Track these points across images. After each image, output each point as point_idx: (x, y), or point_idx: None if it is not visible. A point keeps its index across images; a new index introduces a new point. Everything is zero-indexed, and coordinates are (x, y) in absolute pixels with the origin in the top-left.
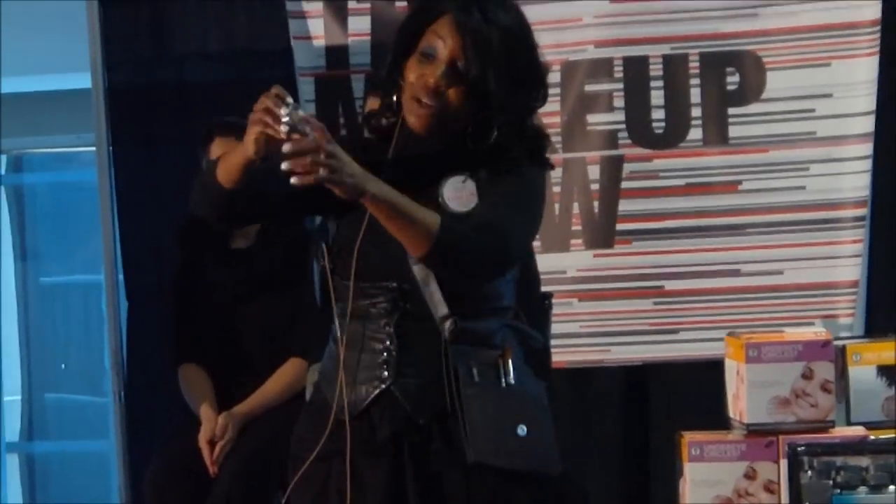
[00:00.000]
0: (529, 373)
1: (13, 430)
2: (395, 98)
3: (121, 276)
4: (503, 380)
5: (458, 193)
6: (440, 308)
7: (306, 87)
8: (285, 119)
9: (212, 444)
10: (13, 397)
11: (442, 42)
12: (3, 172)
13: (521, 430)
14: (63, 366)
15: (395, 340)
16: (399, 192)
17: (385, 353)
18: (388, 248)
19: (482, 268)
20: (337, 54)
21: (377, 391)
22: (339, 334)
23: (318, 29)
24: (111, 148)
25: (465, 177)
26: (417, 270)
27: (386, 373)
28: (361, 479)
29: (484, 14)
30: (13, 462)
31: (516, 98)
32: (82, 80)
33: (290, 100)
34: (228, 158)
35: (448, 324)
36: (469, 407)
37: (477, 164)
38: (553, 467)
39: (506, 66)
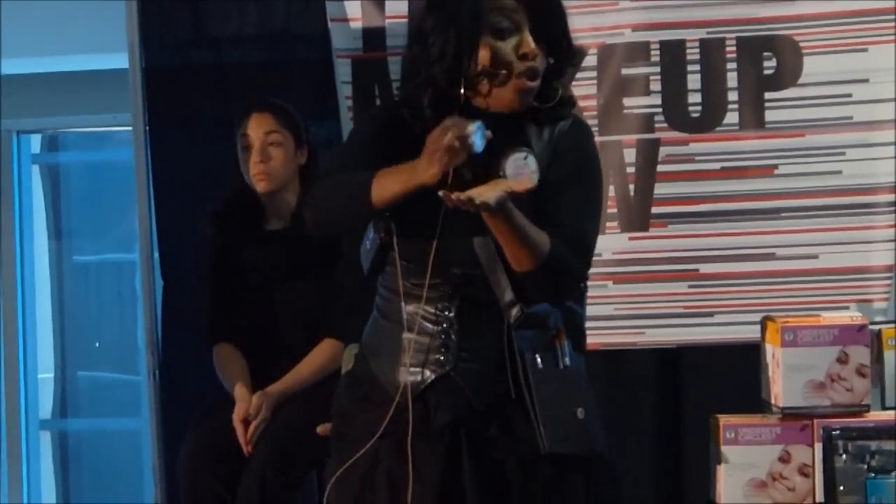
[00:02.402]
0: (576, 355)
1: (46, 408)
2: (475, 78)
3: (156, 255)
4: (560, 362)
5: (520, 171)
6: (507, 294)
7: (343, 69)
8: (476, 147)
9: (246, 423)
10: (46, 375)
11: (509, 15)
12: (38, 151)
13: (580, 413)
14: (97, 344)
15: (456, 325)
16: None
17: (443, 336)
18: (456, 234)
19: (572, 287)
20: (374, 36)
21: (435, 375)
22: (400, 315)
23: (356, 11)
24: (147, 128)
25: (526, 153)
26: (483, 254)
27: (444, 357)
28: (415, 464)
29: None
30: (46, 439)
31: (573, 52)
32: (119, 60)
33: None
34: (390, 180)
35: (514, 310)
36: (539, 395)
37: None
38: (603, 448)
39: (564, 23)
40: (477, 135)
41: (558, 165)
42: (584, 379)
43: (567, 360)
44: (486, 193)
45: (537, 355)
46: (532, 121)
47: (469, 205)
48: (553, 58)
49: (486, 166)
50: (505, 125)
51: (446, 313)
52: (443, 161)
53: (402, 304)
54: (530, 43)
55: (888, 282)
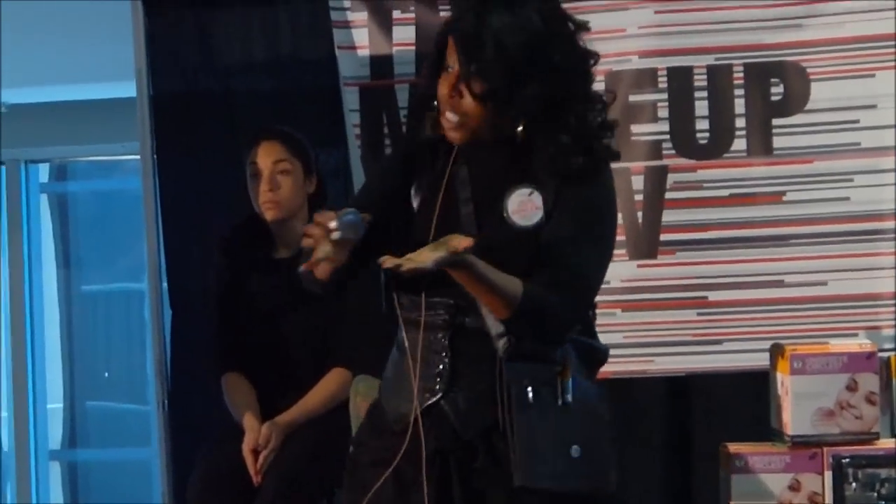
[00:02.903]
0: (593, 388)
1: (55, 438)
2: (434, 111)
3: (164, 284)
4: (560, 398)
5: (523, 206)
6: (496, 326)
7: (351, 97)
8: (336, 234)
9: (255, 453)
10: (55, 405)
11: (450, 53)
12: (46, 180)
13: (575, 450)
14: (106, 374)
15: (450, 353)
16: (482, 261)
17: (441, 366)
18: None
19: (562, 330)
20: (381, 64)
21: (427, 403)
22: (403, 343)
23: (363, 39)
24: (155, 156)
25: (531, 189)
26: None
27: (438, 385)
28: (407, 492)
29: (478, 18)
30: (55, 470)
31: (524, 93)
32: (127, 88)
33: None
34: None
35: (503, 342)
36: (519, 428)
37: (541, 171)
38: (607, 486)
39: (501, 64)
40: (344, 221)
41: (561, 202)
42: (595, 417)
43: (569, 396)
44: (423, 256)
45: (530, 389)
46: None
47: (397, 270)
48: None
49: (493, 200)
50: (497, 157)
51: (443, 341)
52: (322, 252)
53: (403, 332)
54: (450, 82)
55: None
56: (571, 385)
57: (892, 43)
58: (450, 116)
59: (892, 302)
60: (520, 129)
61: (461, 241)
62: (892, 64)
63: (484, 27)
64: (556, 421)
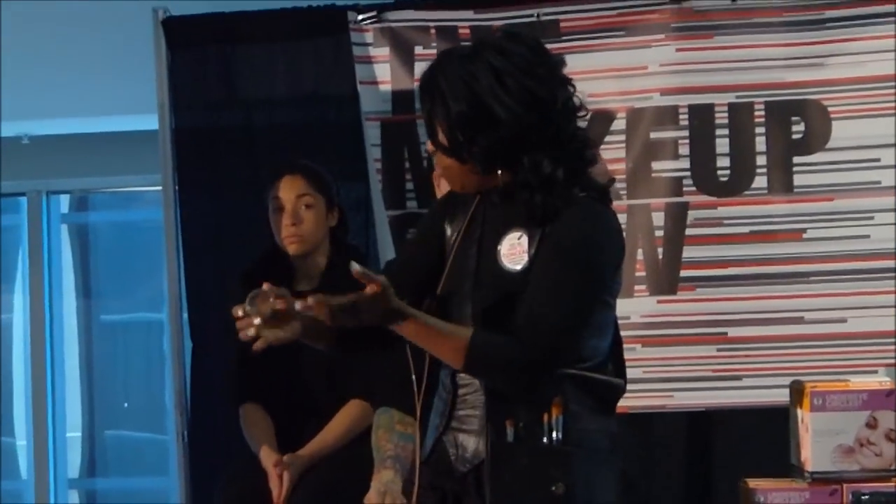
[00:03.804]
0: (597, 424)
1: (74, 467)
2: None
3: (185, 316)
4: (546, 436)
5: (512, 250)
6: None
7: (372, 132)
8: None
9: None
10: (74, 434)
11: None
12: (66, 211)
13: (559, 487)
14: (126, 404)
15: (453, 391)
16: (428, 316)
17: (447, 403)
18: (449, 303)
19: (518, 380)
20: (403, 99)
21: (433, 438)
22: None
23: (385, 74)
24: (176, 188)
25: (521, 233)
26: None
27: (441, 421)
28: None
29: (431, 74)
30: (74, 498)
31: (472, 146)
32: (149, 121)
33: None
34: None
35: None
36: (496, 466)
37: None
38: None
39: (447, 120)
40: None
41: (543, 247)
42: (590, 455)
43: (558, 434)
44: (328, 300)
45: (509, 428)
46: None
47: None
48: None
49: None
50: (503, 202)
51: (448, 379)
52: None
53: (412, 370)
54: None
55: None
56: (561, 422)
57: None
58: (437, 169)
59: None
60: (499, 173)
61: (371, 286)
62: None
63: (434, 83)
64: (536, 460)
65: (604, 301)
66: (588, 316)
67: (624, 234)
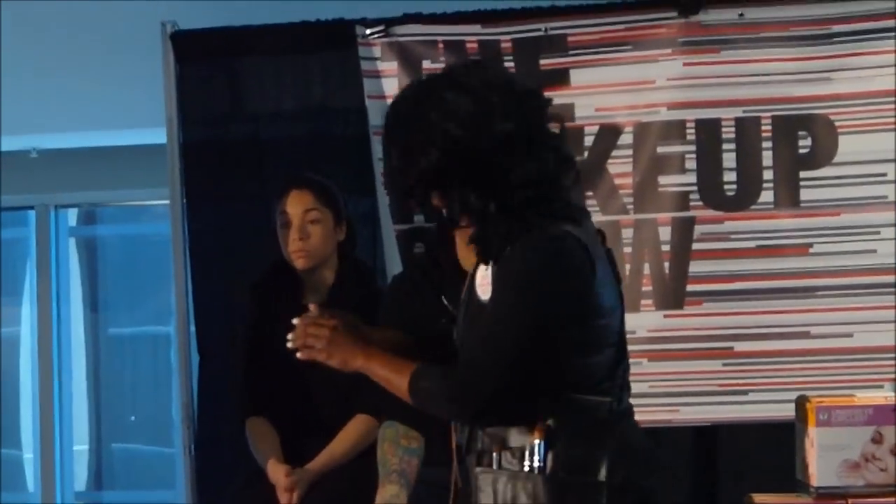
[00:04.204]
0: (578, 447)
1: (81, 480)
2: None
3: (192, 329)
4: (527, 461)
5: (483, 281)
6: None
7: (380, 147)
8: None
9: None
10: (81, 447)
11: None
12: (74, 224)
13: None
14: (133, 417)
15: None
16: (385, 359)
17: (464, 430)
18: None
19: (455, 416)
20: None
21: (457, 461)
22: None
23: (393, 88)
24: (184, 202)
25: (489, 265)
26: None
27: (464, 446)
28: None
29: (386, 116)
30: None
31: (416, 188)
32: (157, 135)
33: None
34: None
35: None
36: (476, 491)
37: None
38: None
39: (391, 162)
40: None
41: (497, 284)
42: (566, 482)
43: (535, 459)
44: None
45: (493, 455)
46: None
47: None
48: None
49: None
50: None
51: None
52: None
53: None
54: None
55: None
56: (541, 447)
57: None
58: None
59: None
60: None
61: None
62: None
63: (386, 128)
64: (513, 486)
65: (583, 323)
66: (524, 346)
67: (630, 248)
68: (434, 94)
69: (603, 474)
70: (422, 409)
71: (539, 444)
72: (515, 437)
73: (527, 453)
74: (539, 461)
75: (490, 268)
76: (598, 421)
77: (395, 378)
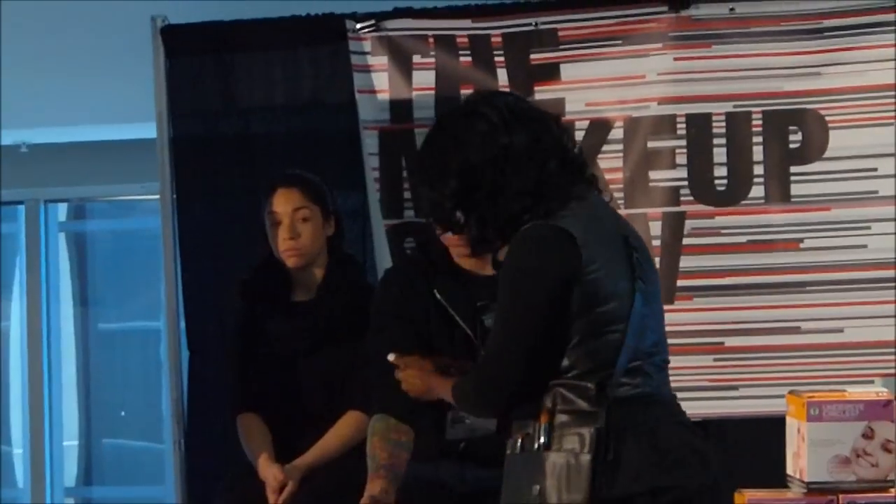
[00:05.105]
0: (573, 426)
1: (71, 475)
2: None
3: (182, 324)
4: (536, 442)
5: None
6: None
7: (370, 141)
8: None
9: (274, 494)
10: (71, 442)
11: None
12: (64, 219)
13: (535, 489)
14: (122, 412)
15: None
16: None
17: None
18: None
19: (485, 410)
20: (401, 108)
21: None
22: None
23: (383, 83)
24: (174, 197)
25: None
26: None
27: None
28: None
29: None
30: None
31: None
32: (147, 130)
33: None
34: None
35: None
36: (505, 474)
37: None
38: None
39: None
40: None
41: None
42: (565, 459)
43: (542, 439)
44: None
45: (513, 439)
46: None
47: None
48: None
49: None
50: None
51: None
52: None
53: None
54: None
55: None
56: (545, 429)
57: None
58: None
59: None
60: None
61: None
62: None
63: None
64: (524, 465)
65: (578, 309)
66: (520, 336)
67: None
68: (449, 124)
69: (587, 448)
70: (464, 411)
71: (545, 426)
72: (532, 424)
73: (537, 434)
74: (545, 441)
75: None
76: (591, 402)
77: (449, 395)
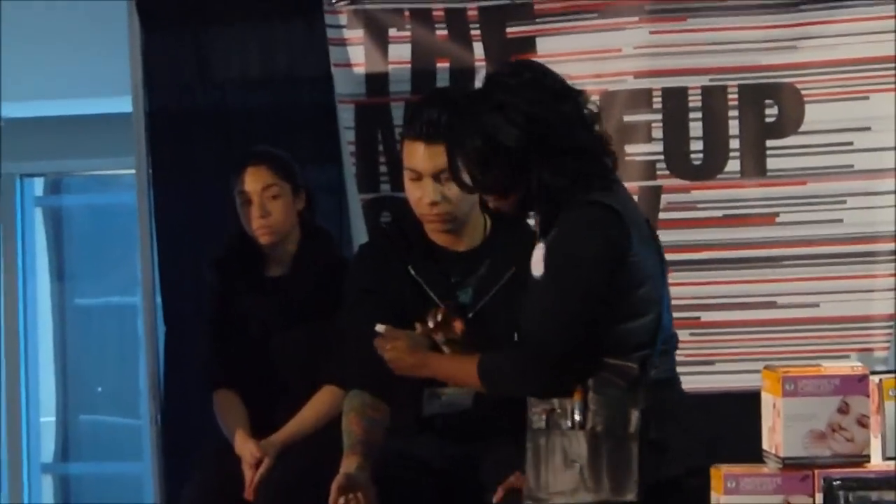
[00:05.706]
0: (610, 406)
1: (48, 452)
2: None
3: (158, 300)
4: (570, 419)
5: (537, 259)
6: None
7: (346, 115)
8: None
9: (251, 469)
10: (48, 418)
11: None
12: (41, 194)
13: (576, 467)
14: (99, 388)
15: None
16: (445, 359)
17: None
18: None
19: (529, 390)
20: (377, 81)
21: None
22: None
23: (359, 56)
24: (150, 171)
25: (542, 243)
26: None
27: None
28: None
29: (449, 117)
30: (48, 483)
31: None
32: (123, 104)
33: None
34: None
35: None
36: (530, 450)
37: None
38: (621, 497)
39: (469, 149)
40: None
41: (546, 256)
42: (604, 435)
43: (576, 416)
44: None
45: (539, 416)
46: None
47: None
48: None
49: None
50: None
51: None
52: None
53: None
54: None
55: (889, 331)
56: (580, 406)
57: (887, 66)
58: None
59: (884, 324)
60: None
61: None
62: (887, 87)
63: (450, 128)
64: (555, 442)
65: (622, 290)
66: (580, 313)
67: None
68: (494, 89)
69: (634, 429)
70: (494, 393)
71: (578, 404)
72: (560, 400)
73: (568, 412)
74: (579, 418)
75: (541, 245)
76: (631, 383)
77: (459, 372)
